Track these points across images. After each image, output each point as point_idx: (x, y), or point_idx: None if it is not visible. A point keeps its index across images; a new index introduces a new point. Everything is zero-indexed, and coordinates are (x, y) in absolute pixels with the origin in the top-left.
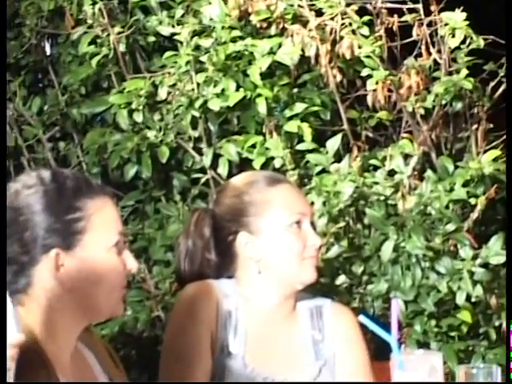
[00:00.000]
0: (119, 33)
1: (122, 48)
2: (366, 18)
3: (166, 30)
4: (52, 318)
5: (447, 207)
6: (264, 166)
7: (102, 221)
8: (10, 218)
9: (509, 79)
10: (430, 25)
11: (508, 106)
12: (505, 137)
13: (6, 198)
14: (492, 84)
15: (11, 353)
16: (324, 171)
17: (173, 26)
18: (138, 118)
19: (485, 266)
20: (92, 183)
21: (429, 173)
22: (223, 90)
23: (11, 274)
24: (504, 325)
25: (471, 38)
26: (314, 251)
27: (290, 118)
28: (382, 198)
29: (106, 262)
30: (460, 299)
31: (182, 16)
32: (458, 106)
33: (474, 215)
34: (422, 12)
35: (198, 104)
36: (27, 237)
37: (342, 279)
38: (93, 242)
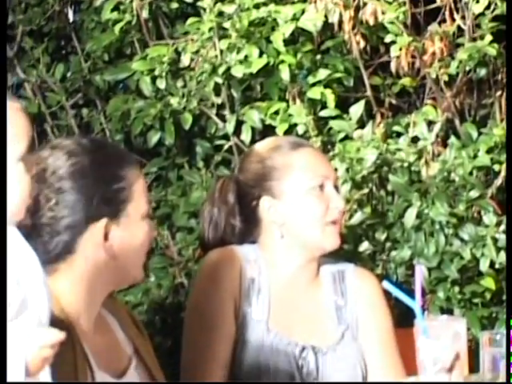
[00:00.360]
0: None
1: (144, 14)
2: None
3: None
4: (85, 285)
5: (471, 174)
6: (287, 133)
7: (139, 190)
8: (55, 188)
9: (509, 79)
10: None
11: (508, 105)
12: None
13: (6, 197)
14: None
15: (47, 353)
16: (347, 138)
17: None
18: (161, 84)
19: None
20: (129, 153)
21: (452, 139)
22: (246, 57)
23: (54, 242)
24: None
25: (495, 4)
26: (337, 214)
27: (313, 85)
28: (406, 164)
29: (142, 229)
30: (483, 266)
31: None
32: (482, 72)
33: (498, 182)
34: None
35: (221, 70)
36: (75, 206)
37: (365, 246)
38: (134, 210)
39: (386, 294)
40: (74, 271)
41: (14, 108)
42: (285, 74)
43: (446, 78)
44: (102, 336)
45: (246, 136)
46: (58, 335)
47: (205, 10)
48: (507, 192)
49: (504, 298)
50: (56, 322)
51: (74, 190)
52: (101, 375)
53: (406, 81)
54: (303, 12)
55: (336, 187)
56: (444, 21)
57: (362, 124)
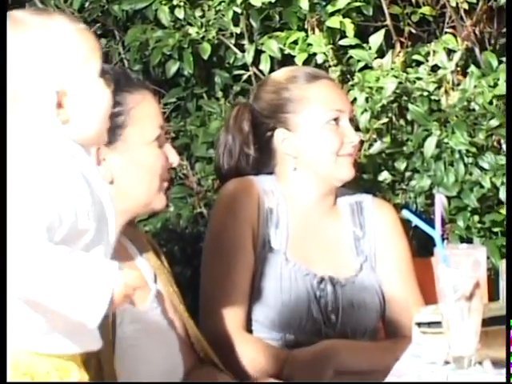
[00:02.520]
0: None
1: None
2: None
3: None
4: None
5: (491, 103)
6: (306, 62)
7: (141, 115)
8: None
9: (509, 79)
10: None
11: (508, 104)
12: None
13: (6, 197)
14: None
15: (130, 292)
16: (366, 67)
17: None
18: (180, 14)
19: None
20: (131, 77)
21: (472, 68)
22: None
23: None
24: None
25: None
26: (351, 148)
27: (332, 14)
28: (425, 93)
29: (147, 155)
30: (503, 195)
31: None
32: (503, 0)
33: None
34: None
35: (239, 0)
36: None
37: (384, 175)
38: (133, 135)
39: (406, 223)
40: None
41: (80, 29)
42: (304, 3)
43: (465, 6)
44: (121, 264)
45: (264, 66)
46: (143, 279)
47: None
48: (507, 205)
49: None
50: None
51: None
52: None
53: (425, 9)
54: None
55: (352, 120)
56: None
57: (381, 53)
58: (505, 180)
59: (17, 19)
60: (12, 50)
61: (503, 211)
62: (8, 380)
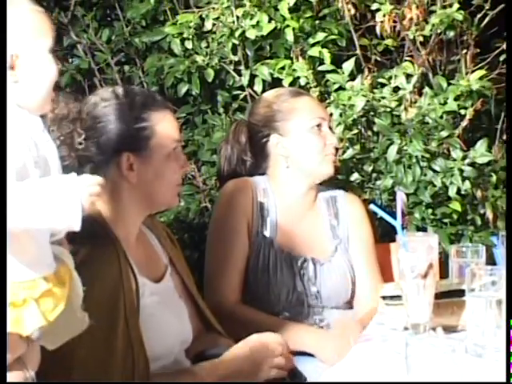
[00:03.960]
0: None
1: None
2: None
3: None
4: (121, 207)
5: (441, 117)
6: (291, 84)
7: (163, 129)
8: (88, 125)
9: (509, 74)
10: None
11: (508, 102)
12: (489, 59)
13: (6, 198)
14: (479, 16)
15: (95, 189)
16: (341, 88)
17: None
18: (189, 45)
19: (472, 165)
20: (157, 98)
21: (426, 89)
22: (258, 22)
23: (89, 170)
24: (488, 213)
25: None
26: (332, 149)
27: (313, 45)
28: (388, 109)
29: (166, 163)
30: (452, 192)
31: None
32: (451, 34)
33: (464, 123)
34: None
35: (237, 34)
36: (103, 140)
37: (355, 176)
38: (156, 146)
39: (373, 214)
40: (106, 194)
41: (34, 9)
42: (289, 36)
43: (421, 38)
44: (143, 248)
45: (258, 87)
46: (99, 177)
47: None
48: (507, 202)
49: (468, 217)
50: (102, 237)
51: (102, 129)
52: (142, 280)
53: (388, 41)
54: None
55: (330, 128)
56: None
57: (352, 77)
58: (453, 180)
59: None
60: None
61: (451, 205)
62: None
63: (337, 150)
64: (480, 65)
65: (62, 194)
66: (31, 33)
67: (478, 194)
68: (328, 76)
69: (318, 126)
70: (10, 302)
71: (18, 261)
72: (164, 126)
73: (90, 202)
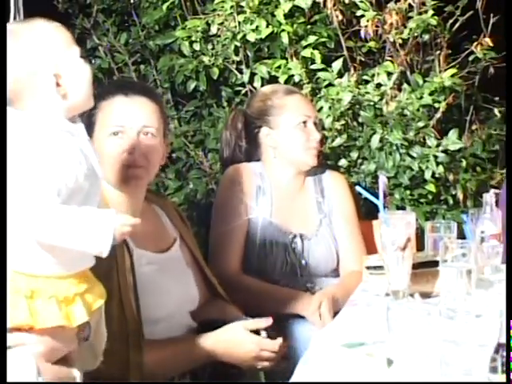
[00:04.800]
0: None
1: None
2: None
3: None
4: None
5: (418, 110)
6: (287, 81)
7: (104, 115)
8: None
9: (509, 73)
10: None
11: (508, 100)
12: (459, 59)
13: (6, 195)
14: (451, 21)
15: (126, 230)
16: (330, 84)
17: None
18: (197, 47)
19: (445, 151)
20: (107, 88)
21: (405, 85)
22: (257, 27)
23: None
24: (459, 193)
25: None
26: (314, 143)
27: (305, 47)
28: (372, 103)
29: (103, 147)
30: (427, 175)
31: None
32: (426, 37)
33: (437, 115)
34: None
35: (239, 37)
36: None
37: (342, 162)
38: (98, 131)
39: (358, 195)
40: None
41: (56, 26)
42: (285, 39)
43: (400, 41)
44: (148, 224)
45: (257, 84)
46: (136, 219)
47: None
48: (507, 204)
49: (442, 198)
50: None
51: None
52: (139, 251)
53: (371, 44)
54: None
55: (315, 124)
56: (399, 0)
57: (340, 74)
58: (428, 165)
59: (13, 31)
60: (12, 55)
61: (427, 187)
62: (8, 380)
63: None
64: (452, 64)
65: (101, 225)
66: (62, 47)
67: (450, 177)
68: (319, 74)
69: (304, 122)
70: (62, 298)
71: (62, 258)
72: (105, 111)
73: (121, 237)
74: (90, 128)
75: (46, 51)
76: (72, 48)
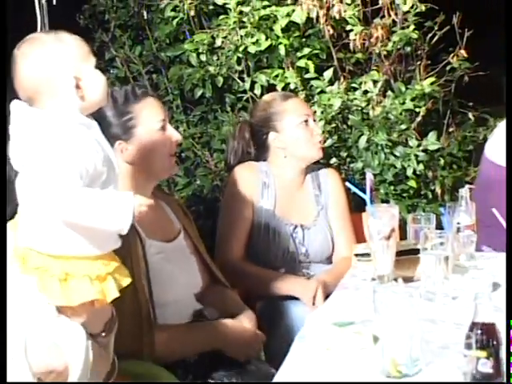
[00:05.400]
0: (190, 3)
1: (192, 13)
2: None
3: (220, 1)
4: (129, 180)
5: (401, 114)
6: (283, 89)
7: (146, 116)
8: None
9: (509, 75)
10: None
11: (508, 104)
12: (438, 69)
13: (5, 197)
14: (429, 35)
15: (144, 209)
16: (322, 91)
17: None
18: (203, 58)
19: (425, 151)
20: (136, 92)
21: (389, 92)
22: (257, 40)
23: None
24: (437, 189)
25: (417, 5)
26: (318, 137)
27: (300, 58)
28: (359, 108)
29: (154, 141)
30: (409, 172)
31: None
32: (408, 49)
33: (418, 119)
34: None
35: (241, 49)
36: (106, 135)
37: (333, 160)
38: (143, 132)
39: (348, 190)
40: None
41: (79, 39)
42: (282, 51)
43: (385, 53)
44: (158, 216)
45: (257, 91)
46: (151, 200)
47: (230, 10)
48: (507, 202)
49: (422, 192)
50: None
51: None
52: (149, 242)
53: (359, 55)
54: (293, 11)
55: (314, 120)
56: (383, 16)
57: (331, 82)
58: (410, 163)
59: (40, 39)
60: (37, 60)
61: (409, 183)
62: (8, 380)
63: (323, 137)
64: (431, 73)
65: (121, 204)
66: (83, 57)
67: (430, 174)
68: (312, 82)
69: (306, 121)
70: (94, 277)
71: (91, 239)
72: (146, 112)
73: (138, 216)
74: (126, 129)
75: (67, 59)
76: (90, 58)
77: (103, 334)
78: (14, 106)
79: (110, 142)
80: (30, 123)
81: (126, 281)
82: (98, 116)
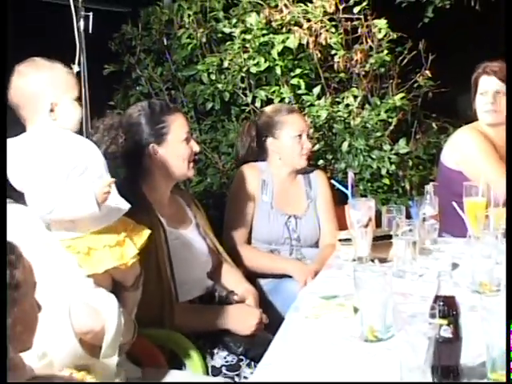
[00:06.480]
0: (202, 32)
1: (204, 40)
2: (333, 23)
3: (227, 30)
4: (152, 178)
5: (376, 123)
6: (280, 102)
7: (176, 126)
8: (126, 130)
9: (509, 76)
10: (368, 26)
11: (508, 108)
12: (407, 86)
13: (5, 199)
14: (400, 58)
15: (107, 189)
16: (311, 105)
17: (230, 28)
18: (213, 77)
19: (396, 154)
20: (170, 106)
21: (367, 105)
22: (258, 62)
23: (126, 159)
24: (406, 185)
25: (389, 34)
26: (306, 151)
27: (294, 77)
28: (342, 118)
29: (179, 148)
30: (383, 172)
31: (236, 23)
32: (382, 70)
33: (391, 127)
34: (363, 19)
35: (244, 69)
36: (137, 138)
37: (321, 162)
38: (172, 138)
39: (333, 186)
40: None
41: (68, 72)
42: (278, 71)
43: (363, 73)
44: (174, 208)
45: (258, 104)
46: (111, 180)
47: (235, 37)
48: (507, 202)
49: (394, 188)
50: (140, 202)
51: (136, 131)
52: (169, 229)
53: (342, 75)
54: (288, 38)
55: (307, 135)
56: (362, 42)
57: (319, 97)
58: (384, 165)
59: (37, 63)
60: (33, 82)
61: (383, 181)
62: (8, 380)
63: (311, 150)
64: (401, 90)
65: (85, 193)
66: (65, 88)
67: (400, 173)
68: (303, 97)
69: (300, 135)
70: (114, 244)
71: (89, 221)
72: (176, 123)
73: (103, 196)
74: (159, 137)
75: (51, 85)
76: (72, 90)
77: (133, 289)
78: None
79: (141, 144)
80: (16, 148)
81: (146, 233)
82: (133, 123)
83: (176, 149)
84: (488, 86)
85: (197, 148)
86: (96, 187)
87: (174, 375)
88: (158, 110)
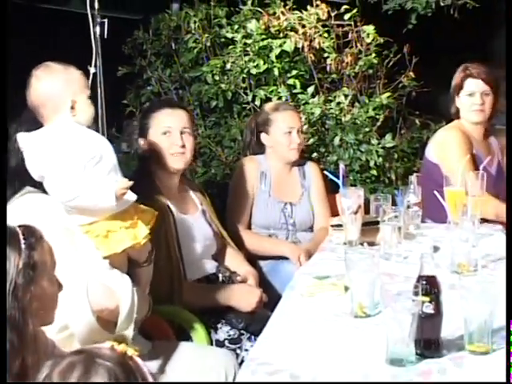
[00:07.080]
0: (207, 37)
1: (208, 44)
2: (325, 29)
3: (229, 35)
4: (155, 169)
5: (365, 120)
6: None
7: (157, 122)
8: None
9: (508, 75)
10: (357, 32)
11: (508, 109)
12: (393, 86)
13: (5, 199)
14: (386, 61)
15: (124, 190)
16: (306, 103)
17: (233, 33)
18: (216, 77)
19: (383, 148)
20: (156, 104)
21: (356, 103)
22: (257, 64)
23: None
24: (392, 176)
25: (377, 38)
26: (295, 145)
27: (290, 77)
28: (334, 115)
29: (159, 141)
30: (371, 164)
31: (238, 28)
32: (370, 71)
33: (378, 123)
34: (353, 25)
35: (245, 71)
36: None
37: (314, 155)
38: (153, 133)
39: (326, 177)
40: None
41: (81, 73)
42: (276, 72)
43: (353, 74)
44: (183, 197)
45: (257, 102)
46: (129, 182)
47: (237, 41)
48: (507, 201)
49: (381, 179)
50: (149, 190)
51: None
52: (179, 215)
53: (334, 75)
54: (285, 42)
55: (298, 131)
56: (352, 46)
57: (313, 96)
58: (372, 157)
59: (52, 68)
60: (51, 83)
61: (371, 172)
62: (8, 380)
63: (300, 145)
64: (387, 89)
65: (107, 189)
66: (80, 87)
67: (387, 165)
68: (299, 96)
69: (290, 132)
70: (128, 225)
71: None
72: (157, 119)
73: (121, 194)
74: (144, 131)
75: (69, 85)
76: (85, 90)
77: (146, 264)
78: (21, 138)
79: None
80: (36, 142)
81: (154, 215)
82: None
83: (157, 142)
84: (475, 88)
85: (179, 142)
86: (117, 185)
87: (182, 347)
88: (145, 108)
